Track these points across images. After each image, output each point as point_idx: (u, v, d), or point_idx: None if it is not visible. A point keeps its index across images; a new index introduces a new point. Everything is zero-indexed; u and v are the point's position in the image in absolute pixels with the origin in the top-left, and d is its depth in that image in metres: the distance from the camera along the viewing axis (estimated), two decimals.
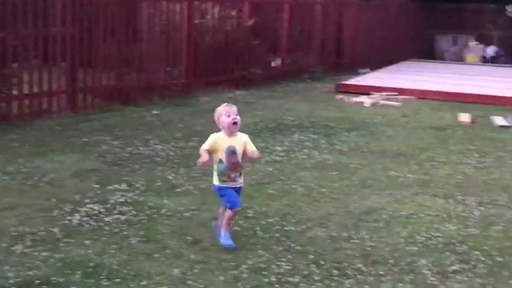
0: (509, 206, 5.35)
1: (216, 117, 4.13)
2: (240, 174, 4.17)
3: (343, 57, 15.51)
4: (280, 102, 10.69)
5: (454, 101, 11.26)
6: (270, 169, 6.25)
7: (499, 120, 9.53)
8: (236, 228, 4.48)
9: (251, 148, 4.14)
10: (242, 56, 12.02)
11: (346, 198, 5.41)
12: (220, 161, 4.05)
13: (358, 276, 3.85)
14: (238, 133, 4.13)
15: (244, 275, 3.81)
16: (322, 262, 4.02)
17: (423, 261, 4.10)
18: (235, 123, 4.04)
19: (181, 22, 10.61)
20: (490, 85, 12.99)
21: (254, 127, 8.23)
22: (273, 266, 3.93)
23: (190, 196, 5.30)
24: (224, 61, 11.55)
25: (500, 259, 4.20)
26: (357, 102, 11.01)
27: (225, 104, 4.15)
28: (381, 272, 3.91)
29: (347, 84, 12.53)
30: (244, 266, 3.92)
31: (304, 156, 6.87)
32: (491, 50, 18.77)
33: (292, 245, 4.29)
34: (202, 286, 3.67)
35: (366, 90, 11.89)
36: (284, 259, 4.04)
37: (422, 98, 11.51)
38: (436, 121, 9.43)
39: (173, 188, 5.51)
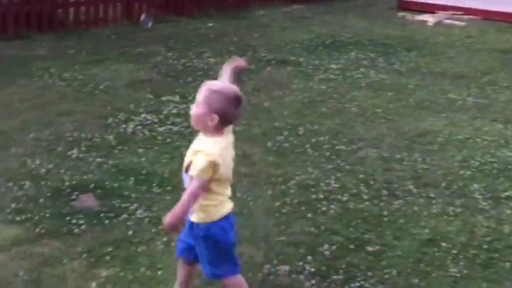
0: None
1: None
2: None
3: None
4: (338, 18, 10.34)
5: None
6: (324, 87, 6.13)
7: None
8: (285, 145, 4.46)
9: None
10: None
11: (401, 120, 5.29)
12: None
13: (408, 198, 3.80)
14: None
15: (292, 191, 3.82)
16: (372, 182, 3.98)
17: (476, 186, 4.01)
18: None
19: None
20: None
21: (309, 43, 8.03)
22: (322, 184, 3.92)
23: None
24: None
25: None
26: (419, 21, 10.58)
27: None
28: (432, 195, 3.85)
29: (410, 1, 11.98)
30: (293, 182, 3.93)
31: (360, 75, 6.70)
32: None
33: (342, 164, 4.26)
34: (250, 198, 3.72)
35: (429, 8, 11.36)
36: (333, 177, 4.02)
37: (488, 19, 10.94)
38: (501, 43, 8.97)
39: None
